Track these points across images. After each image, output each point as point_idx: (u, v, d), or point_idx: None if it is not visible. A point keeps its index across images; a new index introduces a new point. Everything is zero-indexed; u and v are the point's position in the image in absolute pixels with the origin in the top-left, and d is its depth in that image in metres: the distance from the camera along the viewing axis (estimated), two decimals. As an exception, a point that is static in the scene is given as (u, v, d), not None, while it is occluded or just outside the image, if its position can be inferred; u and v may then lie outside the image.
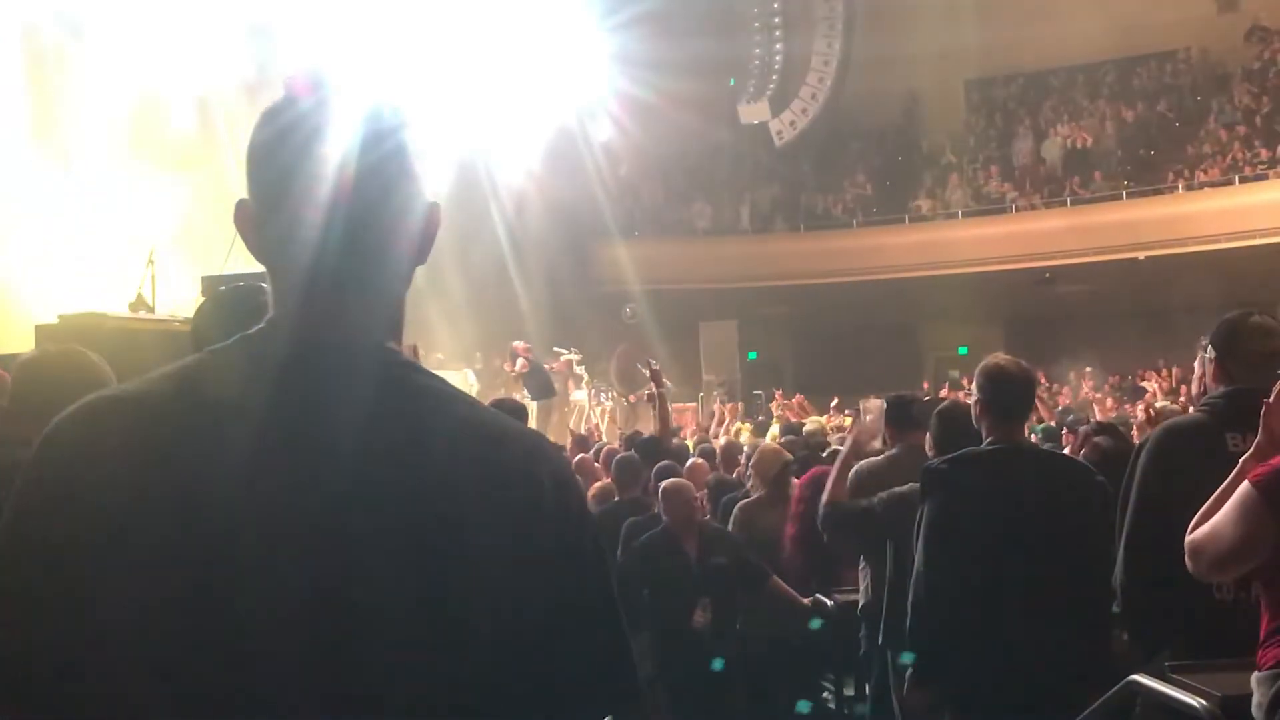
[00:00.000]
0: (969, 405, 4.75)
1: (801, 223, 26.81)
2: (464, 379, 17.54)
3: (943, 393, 17.50)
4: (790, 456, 7.44)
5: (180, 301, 8.91)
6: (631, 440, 9.52)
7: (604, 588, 1.44)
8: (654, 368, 9.21)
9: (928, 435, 5.17)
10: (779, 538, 6.89)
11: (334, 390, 1.33)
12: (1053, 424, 10.13)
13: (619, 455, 8.24)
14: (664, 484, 6.60)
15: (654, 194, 27.86)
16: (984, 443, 4.37)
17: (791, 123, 27.35)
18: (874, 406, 7.25)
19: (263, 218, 1.40)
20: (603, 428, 17.33)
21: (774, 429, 15.50)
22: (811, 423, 11.12)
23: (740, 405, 19.06)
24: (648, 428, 12.44)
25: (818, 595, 6.65)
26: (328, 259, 1.36)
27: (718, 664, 6.20)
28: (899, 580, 5.09)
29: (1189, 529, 2.94)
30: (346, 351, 1.36)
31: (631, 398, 19.54)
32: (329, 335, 1.37)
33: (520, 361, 17.32)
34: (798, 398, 17.69)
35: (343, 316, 1.38)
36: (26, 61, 13.47)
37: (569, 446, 11.23)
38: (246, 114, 16.39)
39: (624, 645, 1.46)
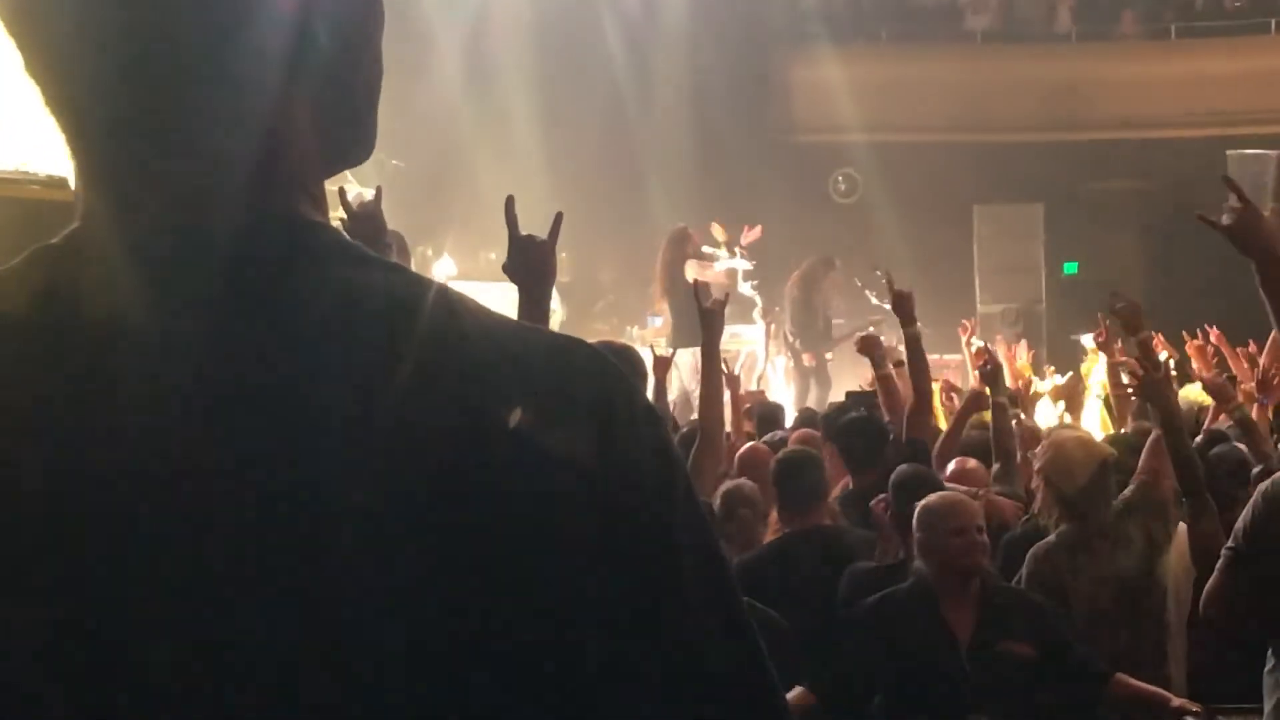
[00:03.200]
0: None
1: (1171, 21, 20.96)
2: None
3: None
4: (1110, 451, 6.23)
5: (37, 150, 8.00)
6: (835, 422, 7.74)
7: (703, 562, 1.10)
8: (899, 290, 7.79)
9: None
10: (1103, 605, 6.02)
11: (153, 330, 1.05)
12: None
13: (781, 453, 6.71)
14: (922, 503, 5.41)
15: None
16: None
17: None
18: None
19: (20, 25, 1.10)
20: (789, 393, 14.97)
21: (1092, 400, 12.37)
22: (1188, 392, 8.69)
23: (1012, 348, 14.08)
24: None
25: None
26: (125, 74, 1.05)
27: None
28: None
29: None
30: (185, 247, 1.06)
31: (809, 357, 15.82)
32: (147, 221, 1.07)
33: (695, 271, 13.56)
34: (1210, 333, 11.26)
35: (171, 182, 1.08)
36: None
37: (735, 426, 8.96)
38: None
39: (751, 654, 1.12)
